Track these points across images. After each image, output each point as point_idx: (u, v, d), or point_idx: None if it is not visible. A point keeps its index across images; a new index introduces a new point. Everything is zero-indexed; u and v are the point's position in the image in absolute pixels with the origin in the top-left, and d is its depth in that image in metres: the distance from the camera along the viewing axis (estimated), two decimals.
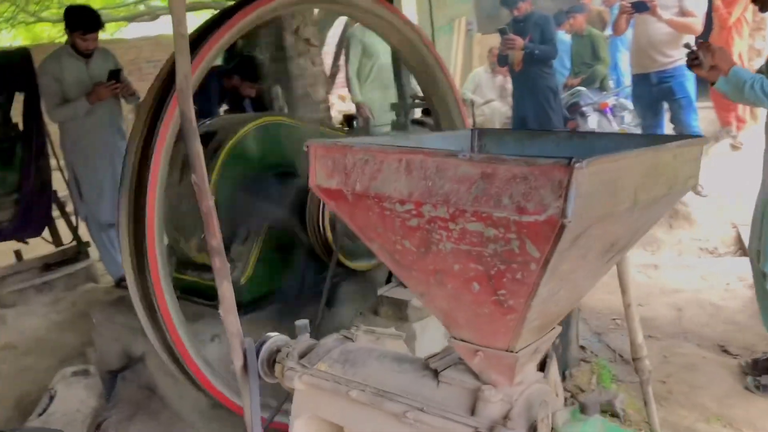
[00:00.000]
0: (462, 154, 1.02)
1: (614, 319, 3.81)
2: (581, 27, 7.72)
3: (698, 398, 2.98)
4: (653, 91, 5.39)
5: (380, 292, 2.76)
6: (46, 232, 5.26)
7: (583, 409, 1.21)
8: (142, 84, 2.64)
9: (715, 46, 2.84)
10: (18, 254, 5.14)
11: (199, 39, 2.60)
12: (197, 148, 1.61)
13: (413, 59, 3.57)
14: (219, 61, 5.67)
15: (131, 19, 12.67)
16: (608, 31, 8.66)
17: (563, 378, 3.16)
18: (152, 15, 12.15)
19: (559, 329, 1.32)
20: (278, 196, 3.19)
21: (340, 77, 7.99)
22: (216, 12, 2.84)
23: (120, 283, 4.51)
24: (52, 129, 4.85)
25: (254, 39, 5.58)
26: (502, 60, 6.53)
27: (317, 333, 2.61)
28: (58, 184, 5.15)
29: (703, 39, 5.43)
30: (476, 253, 1.06)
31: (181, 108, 1.58)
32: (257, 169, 3.26)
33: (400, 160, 1.10)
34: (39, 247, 5.36)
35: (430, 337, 2.62)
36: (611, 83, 8.06)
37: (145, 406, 3.13)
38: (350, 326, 2.67)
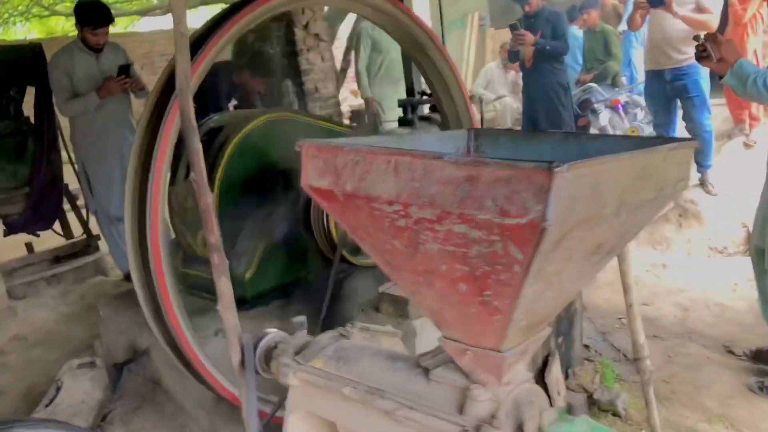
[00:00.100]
0: (448, 156, 1.02)
1: (619, 319, 3.80)
2: (594, 23, 7.68)
3: (701, 398, 2.97)
4: (666, 88, 5.32)
5: (381, 289, 2.78)
6: (56, 225, 5.32)
7: (570, 409, 1.22)
8: (155, 78, 2.68)
9: (722, 38, 2.81)
10: (29, 247, 5.21)
11: (206, 33, 2.63)
12: (196, 146, 1.63)
13: (420, 56, 3.58)
14: (229, 56, 5.70)
15: (144, 13, 12.75)
16: (622, 27, 8.61)
17: (566, 377, 3.17)
18: (165, 9, 12.22)
19: (549, 330, 1.32)
20: (284, 192, 3.22)
21: (351, 72, 8.00)
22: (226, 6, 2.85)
23: (128, 276, 4.55)
24: (64, 123, 4.90)
25: (264, 34, 5.60)
26: (513, 56, 6.51)
27: (321, 329, 2.64)
28: (70, 178, 5.21)
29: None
30: (462, 254, 1.07)
31: (181, 106, 1.60)
32: (263, 165, 3.28)
33: (389, 161, 1.11)
34: (50, 239, 5.43)
35: (431, 334, 2.63)
36: (624, 80, 8.00)
37: (150, 398, 3.17)
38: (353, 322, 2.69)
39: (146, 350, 3.28)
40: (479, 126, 4.50)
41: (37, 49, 4.85)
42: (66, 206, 5.32)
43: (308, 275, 3.27)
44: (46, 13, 12.73)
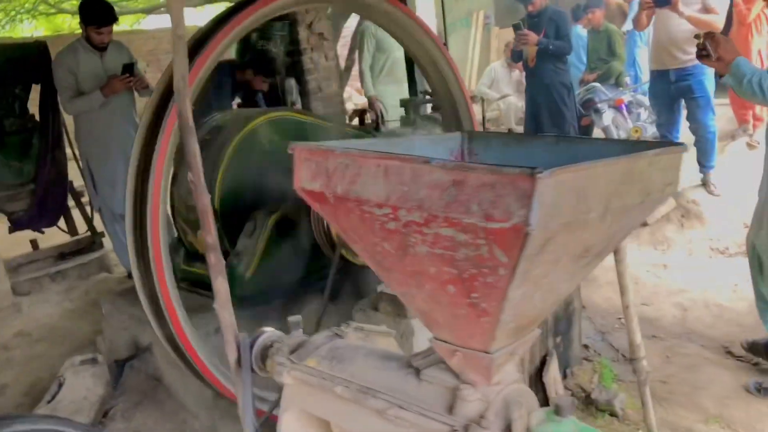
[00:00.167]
0: (435, 161, 1.04)
1: (619, 318, 3.81)
2: (599, 22, 7.67)
3: (698, 399, 2.98)
4: (671, 88, 5.29)
5: (380, 288, 2.80)
6: (61, 222, 5.36)
7: (557, 410, 1.24)
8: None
9: (721, 36, 2.82)
10: (34, 243, 5.25)
11: (210, 32, 2.66)
12: (194, 147, 1.64)
13: (422, 57, 3.60)
14: (233, 55, 5.72)
15: (150, 11, 12.79)
16: (627, 26, 8.60)
17: (564, 376, 3.18)
18: None
19: (538, 332, 1.34)
20: (284, 191, 3.24)
21: (356, 70, 8.01)
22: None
23: (132, 273, 4.59)
24: (68, 120, 4.93)
25: (268, 33, 5.61)
26: (516, 55, 6.51)
27: (320, 327, 2.66)
28: (74, 175, 5.25)
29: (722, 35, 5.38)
30: (449, 257, 1.09)
31: (179, 108, 1.62)
32: (265, 164, 3.30)
33: (379, 165, 1.12)
34: (54, 236, 5.47)
35: (428, 333, 2.65)
36: (628, 79, 7.99)
37: (151, 395, 3.21)
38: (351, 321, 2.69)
39: (148, 347, 3.31)
40: (480, 126, 4.52)
41: (42, 47, 4.89)
42: (71, 203, 5.36)
43: (309, 274, 3.29)
44: (52, 10, 12.79)
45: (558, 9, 6.04)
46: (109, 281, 5.08)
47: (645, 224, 5.19)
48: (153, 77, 4.64)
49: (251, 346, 1.70)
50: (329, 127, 3.72)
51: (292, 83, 5.70)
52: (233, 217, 3.28)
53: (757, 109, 6.32)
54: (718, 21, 5.05)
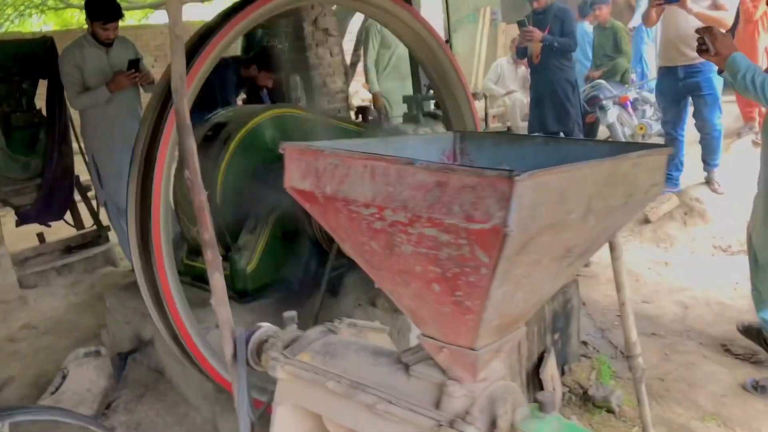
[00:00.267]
0: (419, 162, 1.07)
1: (619, 316, 3.81)
2: (605, 19, 7.65)
3: (695, 396, 3.00)
4: (679, 85, 5.26)
5: (378, 284, 2.82)
6: (68, 216, 5.42)
7: (541, 406, 1.26)
8: None
9: (718, 31, 2.83)
10: (40, 237, 5.32)
11: (214, 27, 2.69)
12: (190, 145, 1.67)
13: (424, 56, 3.62)
14: (238, 51, 5.76)
15: (157, 6, 12.83)
16: (634, 22, 8.57)
17: (562, 373, 3.20)
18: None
19: (524, 330, 1.36)
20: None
21: (361, 66, 8.03)
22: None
23: None
24: (74, 115, 4.98)
25: (273, 29, 5.64)
26: (521, 52, 6.51)
27: (317, 323, 2.68)
28: (81, 170, 5.30)
29: (729, 33, 5.35)
30: (434, 256, 1.11)
31: (176, 106, 1.64)
32: (266, 160, 3.33)
33: (366, 165, 1.15)
34: (61, 230, 5.53)
35: None
36: (634, 76, 7.98)
37: (153, 387, 3.25)
38: (351, 316, 2.72)
39: (150, 340, 3.35)
40: (483, 123, 4.54)
41: (49, 42, 4.94)
42: (77, 197, 5.41)
43: (308, 269, 3.32)
44: (61, 5, 12.86)
45: (563, 6, 6.03)
46: (115, 275, 5.13)
47: (648, 221, 5.19)
48: (161, 72, 4.65)
49: (247, 341, 1.74)
50: (332, 123, 3.75)
51: (297, 79, 5.73)
52: (235, 212, 3.32)
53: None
54: (727, 17, 5.00)
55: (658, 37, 6.29)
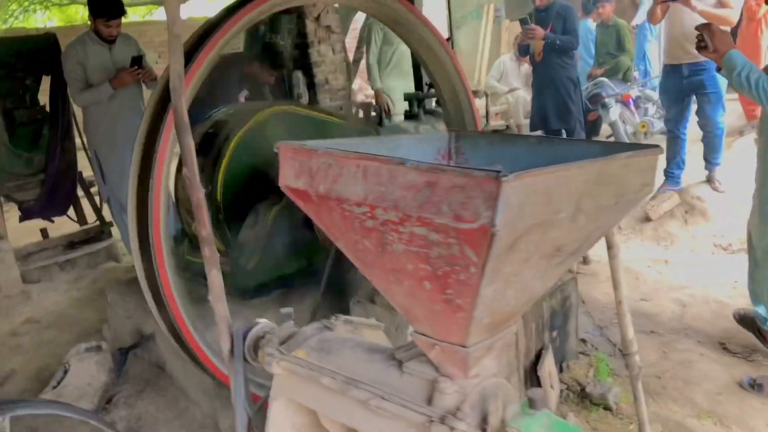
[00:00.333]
0: (410, 162, 1.08)
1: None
2: (608, 16, 7.65)
3: (691, 394, 3.01)
4: (684, 83, 5.25)
5: None
6: (71, 212, 5.45)
7: (531, 403, 1.28)
8: None
9: (716, 27, 2.84)
10: (44, 232, 5.35)
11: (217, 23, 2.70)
12: (188, 143, 1.69)
13: (424, 51, 3.62)
14: (240, 47, 5.77)
15: (161, 2, 12.85)
16: (638, 20, 8.55)
17: (560, 370, 3.21)
18: None
19: (515, 328, 1.38)
20: None
21: (364, 63, 8.03)
22: None
23: None
24: (77, 111, 5.01)
25: (275, 26, 5.65)
26: (523, 50, 6.51)
27: (315, 319, 2.70)
28: (84, 165, 5.33)
29: (733, 31, 5.33)
30: (424, 255, 1.13)
31: (174, 105, 1.66)
32: (267, 157, 3.35)
33: (358, 165, 1.17)
34: (64, 225, 5.56)
35: None
36: (636, 74, 7.97)
37: (153, 382, 3.28)
38: (350, 313, 2.75)
39: (151, 335, 3.38)
40: (484, 121, 4.55)
41: (52, 39, 4.97)
42: (80, 193, 5.44)
43: (309, 266, 3.35)
44: (65, 1, 12.90)
45: (566, 4, 6.03)
46: (117, 270, 5.16)
47: (649, 220, 5.20)
48: (164, 68, 4.68)
49: (244, 337, 1.76)
50: (333, 121, 3.76)
51: (299, 76, 5.73)
52: (235, 209, 3.34)
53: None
54: (732, 15, 4.98)
55: (662, 34, 6.29)
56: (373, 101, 6.51)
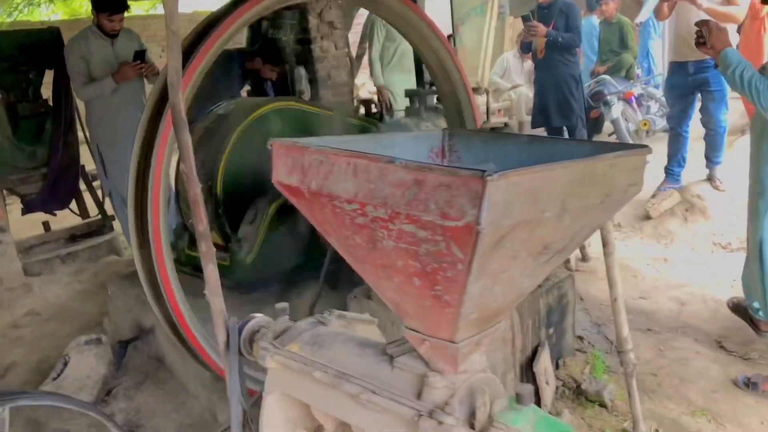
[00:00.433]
0: (399, 161, 1.10)
1: None
2: (612, 14, 7.64)
3: (686, 392, 3.03)
4: (689, 80, 5.24)
5: None
6: (73, 205, 5.48)
7: (518, 398, 1.30)
8: None
9: (715, 24, 2.86)
10: (46, 225, 5.38)
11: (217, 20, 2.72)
12: (185, 139, 1.70)
13: (424, 48, 3.64)
14: (243, 43, 5.77)
15: None
16: (641, 17, 8.53)
17: (556, 367, 3.23)
18: None
19: (503, 324, 1.40)
20: None
21: (367, 59, 8.04)
22: None
23: None
24: (79, 105, 5.03)
25: (278, 21, 5.65)
26: (525, 46, 6.52)
27: (312, 314, 2.73)
28: (86, 159, 5.35)
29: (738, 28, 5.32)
30: (413, 251, 1.14)
31: (172, 101, 1.68)
32: (268, 153, 3.37)
33: (349, 163, 1.18)
34: (66, 219, 5.59)
35: None
36: (639, 72, 7.96)
37: (153, 375, 3.31)
38: (347, 308, 2.77)
39: (151, 328, 3.41)
40: (485, 118, 4.55)
41: (55, 33, 4.98)
42: (82, 187, 5.47)
43: (308, 261, 3.37)
44: None
45: (569, 1, 6.03)
46: (118, 264, 5.19)
47: (649, 218, 5.21)
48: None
49: (240, 331, 1.78)
50: (334, 116, 3.78)
51: (301, 72, 5.73)
52: (235, 204, 3.36)
53: None
54: (739, 12, 4.96)
55: (667, 32, 6.27)
56: (375, 97, 6.52)
